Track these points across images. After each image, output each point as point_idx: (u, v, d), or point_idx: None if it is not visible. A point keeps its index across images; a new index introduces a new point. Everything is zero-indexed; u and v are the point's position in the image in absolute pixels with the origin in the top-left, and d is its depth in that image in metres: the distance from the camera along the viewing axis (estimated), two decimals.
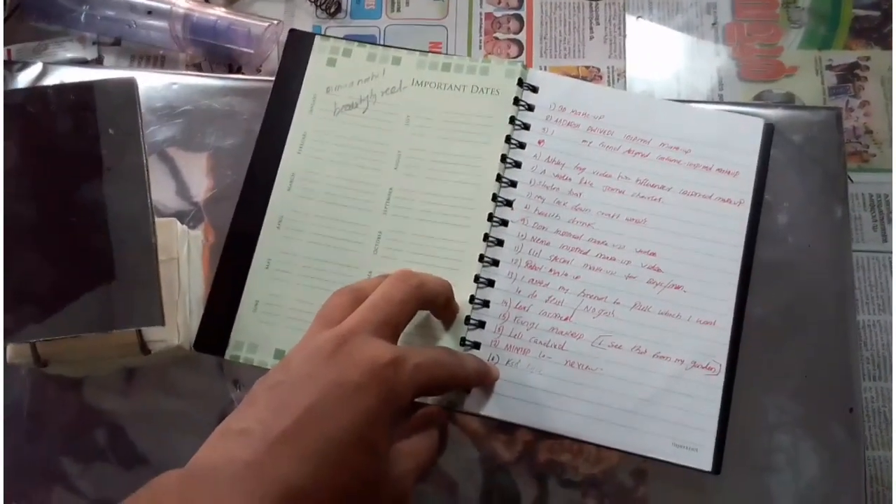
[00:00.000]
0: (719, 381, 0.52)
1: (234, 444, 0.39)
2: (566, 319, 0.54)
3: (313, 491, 0.38)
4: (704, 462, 0.51)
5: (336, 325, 0.44)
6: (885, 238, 0.63)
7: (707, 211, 0.56)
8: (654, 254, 0.55)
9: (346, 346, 0.42)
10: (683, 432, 0.52)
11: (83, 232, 0.50)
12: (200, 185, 0.62)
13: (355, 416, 0.40)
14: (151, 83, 0.64)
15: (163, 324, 0.49)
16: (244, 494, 0.37)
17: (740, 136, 0.57)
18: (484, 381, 0.52)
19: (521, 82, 0.59)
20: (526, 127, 0.58)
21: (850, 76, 0.68)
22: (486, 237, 0.56)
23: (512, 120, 0.58)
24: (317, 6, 0.72)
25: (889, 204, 0.64)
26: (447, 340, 0.54)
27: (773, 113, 0.61)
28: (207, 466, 0.39)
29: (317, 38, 0.62)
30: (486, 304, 0.55)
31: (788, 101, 0.67)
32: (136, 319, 0.49)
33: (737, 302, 0.54)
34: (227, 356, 0.56)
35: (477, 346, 0.54)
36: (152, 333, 0.52)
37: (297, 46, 0.62)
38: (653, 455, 0.51)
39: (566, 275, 0.55)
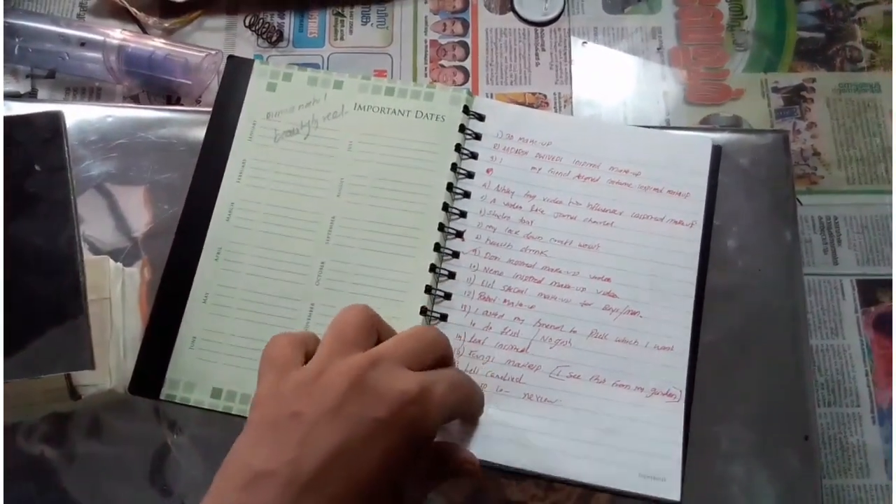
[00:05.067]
0: (680, 407, 0.51)
1: (260, 492, 0.38)
2: (522, 351, 0.53)
3: None
4: (673, 491, 0.50)
5: (284, 364, 0.42)
6: (836, 261, 0.63)
7: (660, 234, 0.55)
8: (608, 279, 0.54)
9: (372, 374, 0.41)
10: (649, 462, 0.50)
11: (7, 272, 0.48)
12: (138, 220, 0.60)
13: (382, 456, 0.39)
14: (85, 116, 0.62)
15: (92, 367, 0.47)
16: None
17: (689, 157, 0.57)
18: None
19: (466, 110, 0.58)
20: (473, 156, 0.57)
21: (796, 98, 0.68)
22: (434, 268, 0.54)
23: (458, 148, 0.57)
24: (258, 35, 0.70)
25: (839, 226, 0.63)
26: None
27: (721, 136, 0.60)
28: None
29: (256, 63, 0.60)
30: None
31: (735, 125, 0.67)
32: (64, 363, 0.47)
33: (693, 325, 0.53)
34: (162, 396, 0.53)
35: None
36: (82, 377, 0.50)
37: (237, 73, 0.60)
38: (619, 487, 0.50)
39: (521, 305, 0.54)
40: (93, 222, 0.59)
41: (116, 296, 0.53)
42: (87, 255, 0.49)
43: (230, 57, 0.61)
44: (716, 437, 0.53)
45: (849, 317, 0.61)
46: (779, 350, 0.55)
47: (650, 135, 0.58)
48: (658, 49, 0.70)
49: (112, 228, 0.59)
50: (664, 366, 0.52)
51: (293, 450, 0.38)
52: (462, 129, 0.57)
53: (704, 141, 0.58)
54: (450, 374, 0.45)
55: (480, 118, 0.58)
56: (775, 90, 0.68)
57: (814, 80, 0.68)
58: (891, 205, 0.64)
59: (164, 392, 0.53)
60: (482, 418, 0.51)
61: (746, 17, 0.70)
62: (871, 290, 0.62)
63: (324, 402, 0.40)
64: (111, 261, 0.55)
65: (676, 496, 0.49)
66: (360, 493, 0.38)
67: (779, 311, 0.56)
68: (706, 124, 0.67)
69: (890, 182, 0.65)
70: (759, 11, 0.71)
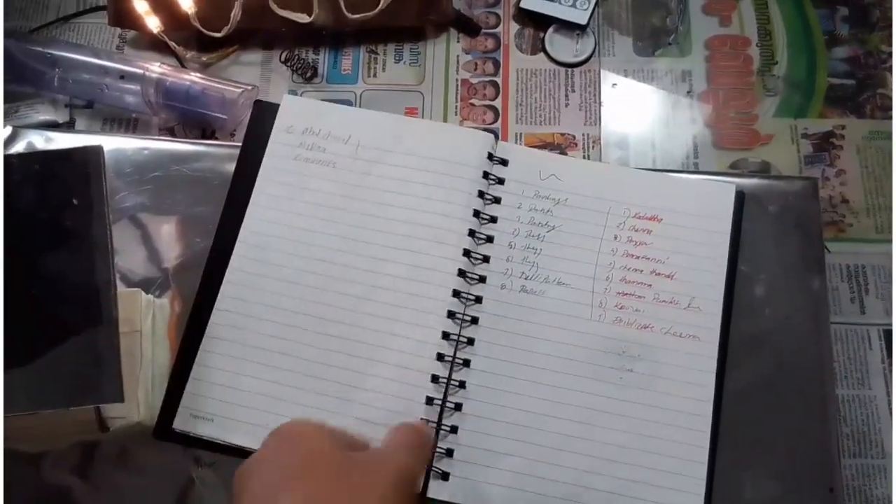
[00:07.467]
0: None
1: None
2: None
3: None
4: None
5: None
6: (863, 310, 0.62)
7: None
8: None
9: None
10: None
11: (42, 304, 0.49)
12: (170, 252, 0.61)
13: None
14: (122, 147, 0.63)
15: (122, 401, 0.47)
16: None
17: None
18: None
19: (490, 156, 0.58)
20: (497, 200, 0.57)
21: (825, 145, 0.68)
22: (446, 335, 0.54)
23: (481, 194, 0.57)
24: (293, 71, 0.71)
25: (867, 275, 0.63)
26: None
27: (749, 182, 0.60)
28: None
29: (287, 97, 0.61)
30: (458, 407, 0.53)
31: (764, 170, 0.67)
32: (94, 396, 0.47)
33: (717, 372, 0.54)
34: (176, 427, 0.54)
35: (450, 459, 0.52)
36: (111, 410, 0.51)
37: (263, 117, 0.61)
38: None
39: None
40: (125, 253, 0.60)
41: (147, 328, 0.54)
42: (120, 287, 0.50)
43: (256, 102, 0.62)
44: (741, 486, 0.53)
45: (875, 367, 0.61)
46: (804, 399, 0.55)
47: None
48: (688, 92, 0.70)
49: (144, 259, 0.60)
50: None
51: None
52: (485, 175, 0.57)
53: (728, 187, 0.58)
54: None
55: (504, 163, 0.58)
56: (805, 136, 0.68)
57: (843, 127, 0.68)
58: None
59: (177, 426, 0.54)
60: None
61: (777, 63, 0.70)
62: None
63: None
64: (143, 293, 0.55)
65: None
66: None
67: (805, 359, 0.56)
68: (735, 169, 0.67)
69: None
70: (790, 57, 0.71)
